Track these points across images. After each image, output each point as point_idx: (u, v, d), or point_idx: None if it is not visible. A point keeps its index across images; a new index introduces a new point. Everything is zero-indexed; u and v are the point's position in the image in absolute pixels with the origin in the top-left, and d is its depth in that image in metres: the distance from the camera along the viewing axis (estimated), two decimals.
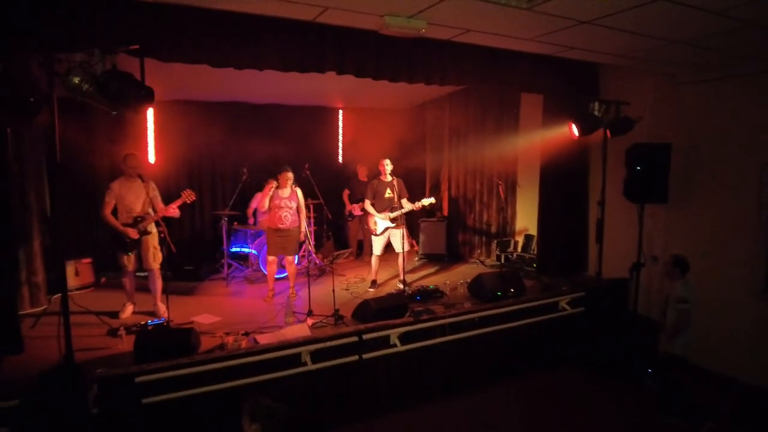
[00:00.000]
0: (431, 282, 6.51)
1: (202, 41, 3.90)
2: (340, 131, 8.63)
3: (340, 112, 8.59)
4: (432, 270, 7.50)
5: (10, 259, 3.79)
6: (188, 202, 5.31)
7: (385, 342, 4.68)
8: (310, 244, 6.54)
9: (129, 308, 5.37)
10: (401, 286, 6.11)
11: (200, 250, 7.56)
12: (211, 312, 5.43)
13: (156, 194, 5.22)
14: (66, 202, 6.44)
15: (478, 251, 8.23)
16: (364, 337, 4.46)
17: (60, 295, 3.28)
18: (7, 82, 2.98)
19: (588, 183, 6.89)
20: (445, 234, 8.14)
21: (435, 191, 9.02)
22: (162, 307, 5.25)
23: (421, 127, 8.72)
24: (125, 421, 3.48)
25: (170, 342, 4.02)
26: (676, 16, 3.41)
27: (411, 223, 8.77)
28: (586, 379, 5.50)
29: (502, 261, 7.60)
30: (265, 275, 6.44)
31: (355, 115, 8.68)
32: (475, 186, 8.23)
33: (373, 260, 6.38)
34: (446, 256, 8.09)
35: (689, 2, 3.17)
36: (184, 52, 3.89)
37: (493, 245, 7.97)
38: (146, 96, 3.06)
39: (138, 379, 3.56)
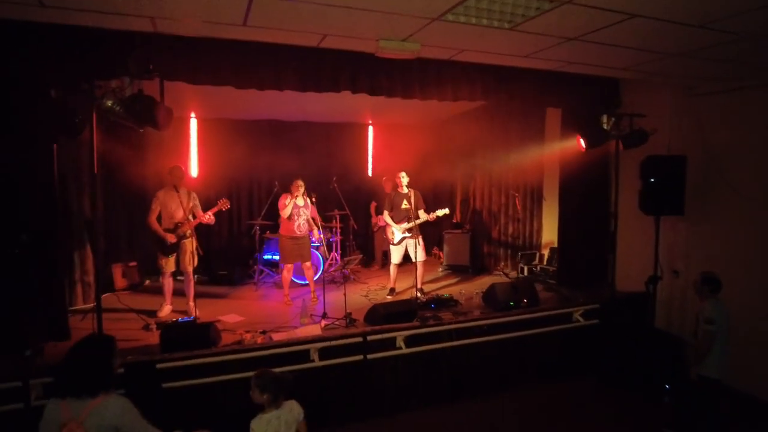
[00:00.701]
0: (450, 292, 6.68)
1: (222, 66, 4.39)
2: (370, 146, 8.99)
3: (370, 128, 8.96)
4: (453, 281, 7.67)
5: (61, 260, 4.34)
6: (223, 209, 5.82)
7: (391, 344, 4.92)
8: (322, 248, 6.90)
9: (166, 308, 5.89)
10: (419, 294, 6.33)
11: (236, 256, 8.11)
12: (237, 312, 5.87)
13: (196, 203, 5.77)
14: (117, 211, 7.16)
15: (503, 263, 8.31)
16: (369, 338, 4.73)
17: (108, 293, 3.77)
18: (58, 106, 3.54)
19: (610, 196, 6.86)
20: (469, 246, 8.27)
21: (465, 205, 9.20)
22: (192, 306, 5.75)
23: (448, 141, 8.93)
24: (146, 402, 3.90)
25: (191, 335, 4.45)
26: (657, 31, 3.52)
27: (434, 234, 9.01)
28: (598, 392, 5.48)
29: (525, 273, 7.67)
30: (292, 281, 6.85)
31: (384, 130, 9.05)
32: (500, 199, 8.34)
33: (392, 269, 6.65)
34: (470, 268, 8.21)
35: (665, 17, 3.29)
36: (209, 76, 4.40)
37: (518, 258, 8.03)
38: (165, 116, 3.54)
39: (159, 366, 4.01)
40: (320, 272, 7.15)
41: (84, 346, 2.53)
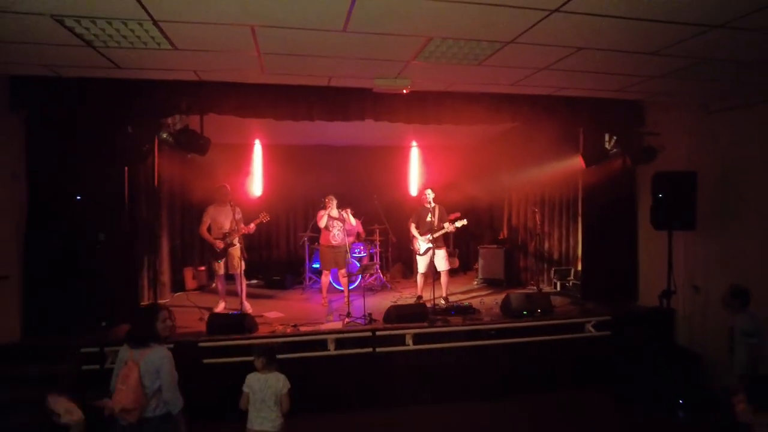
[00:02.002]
0: (476, 302, 7.13)
1: (262, 103, 5.35)
2: (412, 167, 9.68)
3: (412, 149, 9.66)
4: (485, 292, 8.04)
5: (132, 256, 5.49)
6: (264, 221, 6.79)
7: (401, 341, 5.54)
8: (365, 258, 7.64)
9: (221, 305, 6.93)
10: (443, 302, 6.86)
11: (290, 265, 9.13)
12: (280, 310, 6.78)
13: (240, 216, 6.77)
14: (191, 222, 8.46)
15: (539, 278, 8.54)
16: (377, 333, 5.39)
17: (180, 293, 4.71)
18: (132, 138, 4.69)
19: (636, 211, 6.96)
20: (504, 260, 8.61)
21: (509, 221, 9.55)
22: (246, 305, 6.72)
23: (488, 160, 9.38)
24: (189, 372, 4.86)
25: (229, 323, 5.40)
26: (610, 59, 3.93)
27: (472, 249, 9.43)
28: (608, 403, 5.62)
29: (558, 288, 7.89)
30: (336, 288, 7.68)
31: (427, 152, 9.71)
32: (537, 216, 8.61)
33: (418, 278, 7.24)
34: (504, 282, 8.54)
35: (615, 47, 3.72)
36: (251, 111, 5.36)
37: (552, 273, 8.25)
38: (204, 145, 4.54)
39: (200, 344, 4.97)
40: (358, 280, 7.93)
41: (139, 311, 3.47)
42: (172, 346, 4.86)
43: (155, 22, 3.11)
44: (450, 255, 9.74)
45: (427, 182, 9.19)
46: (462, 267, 9.79)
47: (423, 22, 3.18)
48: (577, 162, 7.62)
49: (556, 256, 8.41)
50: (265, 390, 3.59)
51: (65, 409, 3.78)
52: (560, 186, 8.00)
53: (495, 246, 8.84)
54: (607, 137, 5.55)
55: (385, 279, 8.46)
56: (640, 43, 3.61)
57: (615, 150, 5.50)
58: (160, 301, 7.20)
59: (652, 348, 5.84)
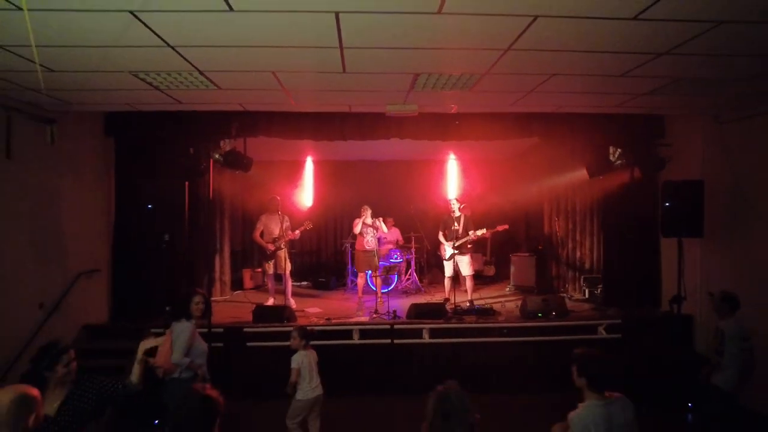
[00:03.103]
0: (501, 305, 7.61)
1: (300, 126, 6.26)
2: (449, 179, 10.26)
3: (448, 163, 10.25)
4: (514, 298, 8.44)
5: (194, 260, 6.59)
6: (307, 229, 7.73)
7: (419, 335, 6.19)
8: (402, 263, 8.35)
9: (270, 300, 7.91)
10: (468, 304, 7.41)
11: (336, 268, 10.04)
12: (320, 307, 7.67)
13: (288, 224, 7.76)
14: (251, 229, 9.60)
15: (569, 286, 8.82)
16: (396, 326, 6.09)
17: (239, 291, 5.69)
18: (191, 158, 5.78)
19: (658, 220, 7.13)
20: (535, 268, 8.96)
21: (535, 230, 9.88)
22: (292, 301, 7.67)
23: (520, 171, 9.80)
24: (235, 354, 5.84)
25: (271, 314, 6.34)
26: (586, 82, 4.44)
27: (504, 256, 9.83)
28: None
29: (587, 295, 8.15)
30: (373, 289, 8.46)
31: (465, 165, 10.27)
32: (568, 225, 8.92)
33: (446, 282, 7.83)
34: (535, 289, 8.88)
35: (584, 72, 4.23)
36: (294, 134, 6.30)
37: (581, 280, 8.51)
38: (247, 163, 5.52)
39: (245, 330, 5.93)
40: (394, 283, 8.65)
41: (179, 294, 4.43)
42: (221, 330, 5.92)
43: (201, 72, 4.09)
44: (486, 263, 10.29)
45: (464, 195, 9.76)
46: (499, 275, 10.21)
47: (406, 62, 3.91)
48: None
49: (587, 264, 8.64)
50: (312, 362, 4.39)
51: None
52: (588, 196, 8.28)
53: (527, 254, 9.21)
54: (611, 149, 5.90)
55: (420, 283, 9.12)
56: (605, 68, 4.11)
57: (620, 161, 5.82)
58: (221, 298, 8.41)
59: (662, 352, 6.06)
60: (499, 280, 10.18)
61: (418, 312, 6.42)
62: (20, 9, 2.70)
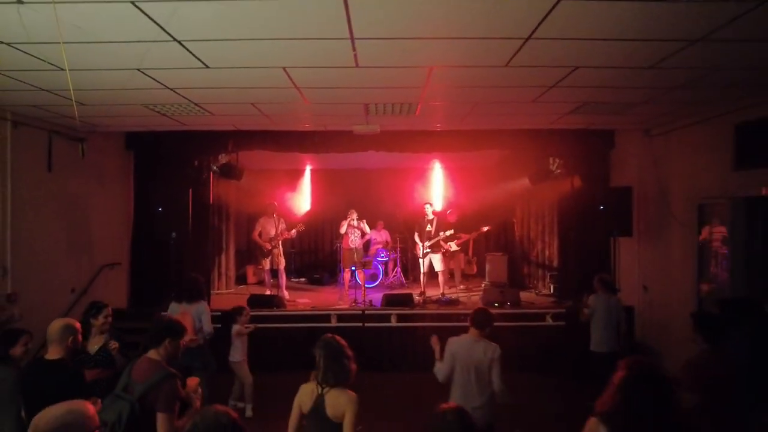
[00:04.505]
0: (470, 299, 8.58)
1: (287, 141, 7.37)
2: (430, 185, 11.23)
3: (432, 171, 11.21)
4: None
5: (197, 251, 7.75)
6: (300, 230, 8.82)
7: (388, 319, 7.22)
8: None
9: (267, 292, 9.05)
10: (440, 296, 8.40)
11: (330, 266, 11.14)
12: (311, 299, 8.75)
13: (284, 226, 8.84)
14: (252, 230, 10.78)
15: (539, 282, 9.71)
16: (366, 312, 7.14)
17: (242, 285, 6.85)
18: (194, 169, 6.95)
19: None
20: (507, 266, 9.88)
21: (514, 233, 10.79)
22: (286, 293, 8.77)
23: (497, 178, 10.72)
24: (227, 334, 6.94)
25: (263, 301, 7.44)
26: (503, 110, 5.44)
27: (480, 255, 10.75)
28: (559, 382, 6.71)
29: (552, 291, 9.05)
30: (359, 284, 9.50)
31: (448, 172, 11.25)
32: (538, 227, 9.82)
33: (422, 277, 8.83)
34: (507, 285, 9.76)
35: (499, 100, 5.23)
36: (279, 147, 7.42)
37: (547, 278, 9.40)
38: (239, 174, 6.65)
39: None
40: (380, 278, 9.69)
41: (192, 278, 5.52)
42: (219, 313, 7.04)
43: (196, 104, 5.24)
44: (468, 262, 11.22)
45: (450, 200, 10.71)
46: (483, 273, 11.14)
47: (353, 97, 4.98)
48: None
49: (555, 263, 9.52)
50: None
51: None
52: (550, 200, 9.18)
53: (500, 254, 10.14)
54: (551, 160, 6.81)
55: (405, 279, 10.15)
56: (518, 97, 5.10)
57: (559, 171, 6.74)
58: (225, 290, 9.58)
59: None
60: (484, 277, 11.10)
61: (389, 301, 7.46)
62: (63, 69, 3.86)
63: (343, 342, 3.05)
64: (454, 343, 3.69)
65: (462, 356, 3.61)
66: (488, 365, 3.60)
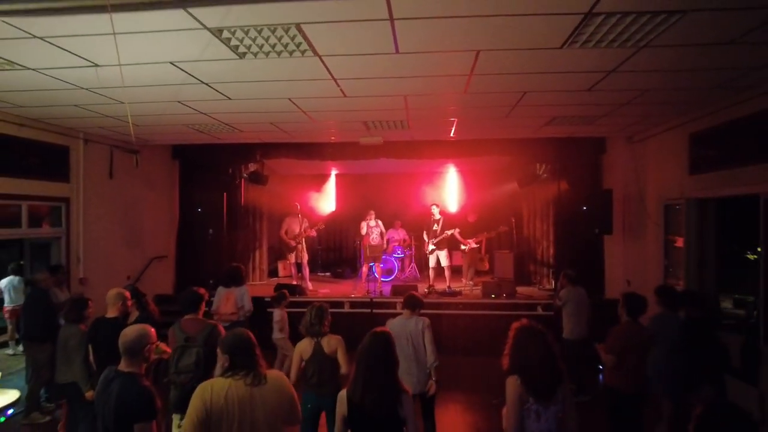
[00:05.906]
0: (473, 290, 9.43)
1: (308, 150, 8.49)
2: (449, 188, 12.09)
3: (447, 174, 12.07)
4: None
5: (231, 247, 8.99)
6: (321, 228, 9.91)
7: (393, 307, 8.18)
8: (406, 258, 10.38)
9: (293, 283, 10.18)
10: (446, 288, 9.28)
11: (352, 262, 12.20)
12: (331, 290, 9.84)
13: (307, 225, 9.97)
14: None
15: (544, 279, 10.41)
16: (374, 300, 8.13)
17: (274, 278, 8.09)
18: (228, 176, 8.16)
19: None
20: (513, 263, 10.62)
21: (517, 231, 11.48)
22: (309, 284, 9.88)
23: (506, 181, 11.46)
24: (259, 315, 8.10)
25: (287, 289, 8.55)
26: (485, 122, 6.30)
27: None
28: None
29: (554, 286, 9.76)
30: (376, 278, 10.51)
31: (465, 177, 12.08)
32: (543, 226, 10.52)
33: (430, 271, 9.73)
34: (513, 281, 10.51)
35: (478, 116, 6.11)
36: (302, 155, 8.55)
37: (551, 275, 10.10)
38: (264, 180, 7.79)
39: (266, 299, 8.19)
40: (395, 273, 10.67)
41: (235, 268, 6.68)
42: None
43: (227, 124, 6.41)
44: (480, 259, 12.01)
45: (465, 202, 11.53)
46: (492, 269, 11.91)
47: (353, 116, 5.99)
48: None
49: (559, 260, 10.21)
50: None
51: None
52: (551, 202, 9.88)
53: (507, 251, 10.90)
54: (538, 166, 7.56)
55: (418, 274, 11.09)
56: (491, 112, 5.97)
57: (545, 175, 7.48)
58: (258, 282, 10.81)
59: None
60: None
61: (396, 291, 8.44)
62: (122, 103, 5.07)
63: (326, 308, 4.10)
64: (390, 323, 4.52)
65: (398, 331, 4.30)
66: (421, 335, 4.41)
